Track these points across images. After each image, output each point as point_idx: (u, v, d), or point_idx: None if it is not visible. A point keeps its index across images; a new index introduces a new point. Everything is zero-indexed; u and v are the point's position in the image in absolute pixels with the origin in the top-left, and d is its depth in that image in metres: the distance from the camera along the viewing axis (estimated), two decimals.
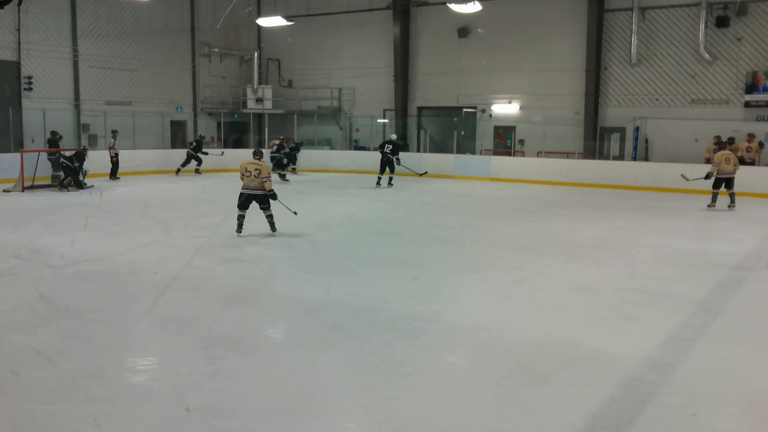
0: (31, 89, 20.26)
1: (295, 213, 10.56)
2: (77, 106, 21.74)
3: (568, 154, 20.69)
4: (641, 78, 20.47)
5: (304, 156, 22.01)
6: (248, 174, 9.62)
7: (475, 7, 19.45)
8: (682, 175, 14.43)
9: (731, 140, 18.14)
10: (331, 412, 4.09)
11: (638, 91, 20.56)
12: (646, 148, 20.30)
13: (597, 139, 21.01)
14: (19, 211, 12.26)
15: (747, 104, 18.82)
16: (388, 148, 17.77)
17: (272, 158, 19.15)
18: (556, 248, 9.37)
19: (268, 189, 9.71)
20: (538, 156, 21.05)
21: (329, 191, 16.87)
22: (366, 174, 21.43)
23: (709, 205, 13.80)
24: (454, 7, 19.89)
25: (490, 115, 23.28)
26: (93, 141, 21.44)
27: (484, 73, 23.06)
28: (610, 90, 21.06)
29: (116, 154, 18.25)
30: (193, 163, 20.18)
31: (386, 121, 25.26)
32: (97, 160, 17.71)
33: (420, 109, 25.03)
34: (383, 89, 25.11)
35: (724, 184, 13.66)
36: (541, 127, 21.57)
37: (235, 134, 26.19)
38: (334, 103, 26.20)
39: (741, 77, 18.97)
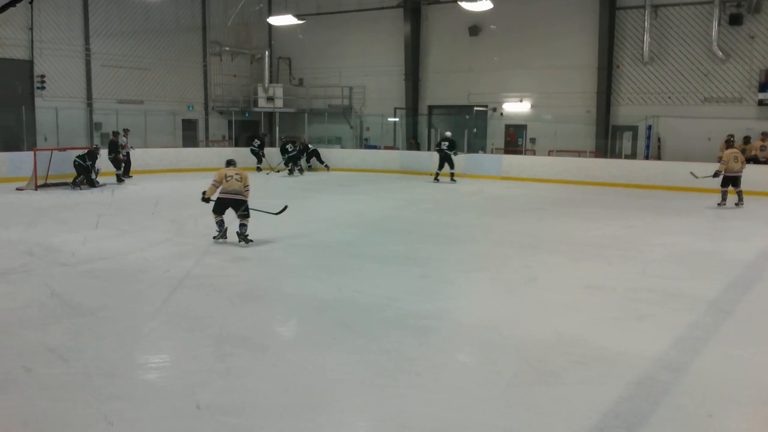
0: (43, 88, 20.41)
1: (279, 213, 10.14)
2: (89, 105, 21.89)
3: (579, 153, 20.59)
4: (654, 76, 20.33)
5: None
6: (229, 179, 9.11)
7: (485, 5, 19.39)
8: (691, 173, 14.35)
9: (746, 139, 18.02)
10: (340, 409, 4.09)
11: (651, 90, 20.42)
12: (659, 147, 20.16)
13: (609, 138, 20.90)
14: (31, 209, 12.35)
15: (761, 102, 18.65)
16: (444, 145, 18.52)
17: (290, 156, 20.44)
18: (566, 247, 9.33)
19: (245, 198, 9.18)
20: (549, 155, 20.97)
21: (339, 189, 16.88)
22: (376, 172, 21.49)
23: (719, 204, 13.72)
24: (465, 5, 19.83)
25: (501, 114, 23.21)
26: (105, 139, 21.57)
27: (495, 72, 22.99)
28: (622, 88, 20.93)
29: (127, 153, 18.33)
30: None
31: (397, 119, 25.25)
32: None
33: (430, 107, 24.99)
34: (394, 88, 25.09)
35: (731, 183, 13.59)
36: (552, 125, 21.48)
37: (247, 132, 26.28)
38: (344, 102, 26.21)
39: (754, 75, 18.80)
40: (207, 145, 24.83)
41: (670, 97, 20.11)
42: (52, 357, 4.84)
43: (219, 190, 9.20)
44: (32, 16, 19.82)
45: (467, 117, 23.12)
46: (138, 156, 19.06)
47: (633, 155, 20.59)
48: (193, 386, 4.35)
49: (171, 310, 6.10)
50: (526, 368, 4.72)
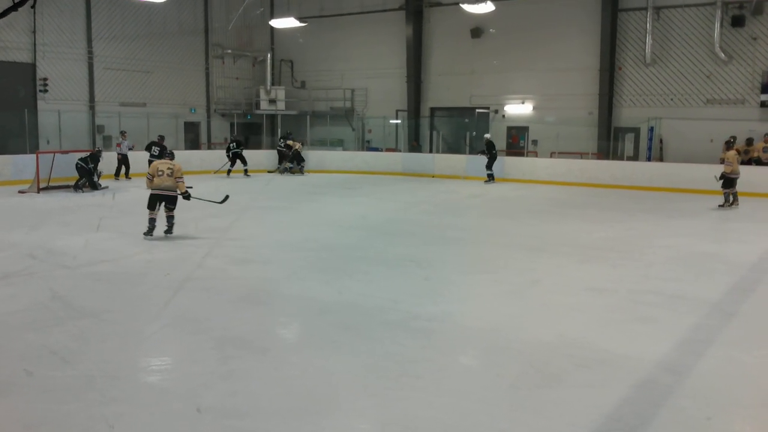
0: (46, 91, 20.46)
1: (222, 202, 10.42)
2: (92, 108, 21.94)
3: (581, 155, 20.58)
4: (656, 78, 20.32)
5: (317, 156, 22.08)
6: (161, 174, 9.39)
7: (487, 7, 19.39)
8: (714, 176, 14.09)
9: (749, 141, 18.03)
10: (343, 412, 4.09)
11: (653, 91, 20.41)
12: (661, 149, 20.13)
13: (611, 140, 20.88)
14: (34, 212, 12.37)
15: (763, 104, 18.62)
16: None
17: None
18: (569, 249, 9.32)
19: (181, 190, 9.56)
20: (551, 156, 20.95)
21: (341, 192, 16.88)
22: (378, 174, 21.49)
23: (721, 206, 13.70)
24: (467, 8, 19.84)
25: (503, 116, 23.20)
26: (108, 142, 21.61)
27: (497, 74, 22.99)
28: (625, 90, 20.92)
29: (123, 155, 18.43)
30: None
31: (399, 121, 25.26)
32: (113, 162, 17.89)
33: (432, 109, 24.99)
34: (396, 90, 25.10)
35: (730, 184, 13.62)
36: (554, 127, 21.48)
37: (248, 135, 26.31)
38: (346, 104, 26.23)
39: (757, 77, 18.77)
40: (209, 148, 24.85)
41: (672, 99, 20.10)
42: (54, 360, 4.85)
43: (153, 185, 9.47)
44: (35, 19, 19.88)
45: (467, 120, 23.14)
46: (140, 159, 19.07)
47: (635, 157, 20.56)
48: (196, 389, 4.35)
49: (173, 312, 6.10)
50: (529, 371, 4.71)
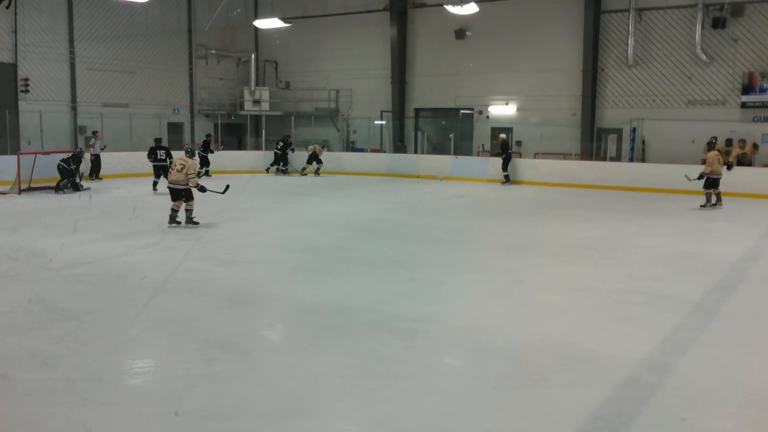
0: (27, 91, 20.23)
1: (224, 192, 11.38)
2: (74, 108, 21.72)
3: (565, 155, 20.70)
4: (638, 79, 20.49)
5: (302, 158, 22.02)
6: (172, 168, 10.62)
7: (471, 9, 19.46)
8: (685, 176, 14.41)
9: (728, 141, 18.24)
10: (328, 413, 4.08)
11: (635, 92, 20.58)
12: (643, 149, 20.31)
13: (594, 140, 21.03)
14: (15, 214, 12.23)
15: (743, 105, 18.84)
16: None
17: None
18: (553, 249, 9.37)
19: (193, 185, 10.53)
20: (535, 157, 21.06)
21: (327, 192, 16.86)
22: (364, 175, 21.48)
23: (702, 206, 13.84)
24: (451, 9, 19.88)
25: (487, 117, 23.29)
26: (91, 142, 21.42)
27: (481, 75, 23.07)
28: (607, 91, 21.07)
29: (97, 155, 18.34)
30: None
31: (383, 122, 25.27)
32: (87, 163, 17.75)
33: (417, 110, 25.04)
34: (380, 90, 25.11)
35: (712, 185, 13.76)
36: (538, 128, 21.59)
37: (234, 136, 26.19)
38: (331, 105, 26.20)
39: (737, 78, 18.99)
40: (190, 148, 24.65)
41: (654, 100, 20.27)
42: (35, 362, 4.79)
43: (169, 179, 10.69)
44: (16, 19, 19.67)
45: (443, 122, 23.26)
46: (123, 159, 18.96)
47: (618, 157, 20.73)
48: (180, 391, 4.31)
49: (156, 314, 6.05)
50: (514, 370, 4.73)
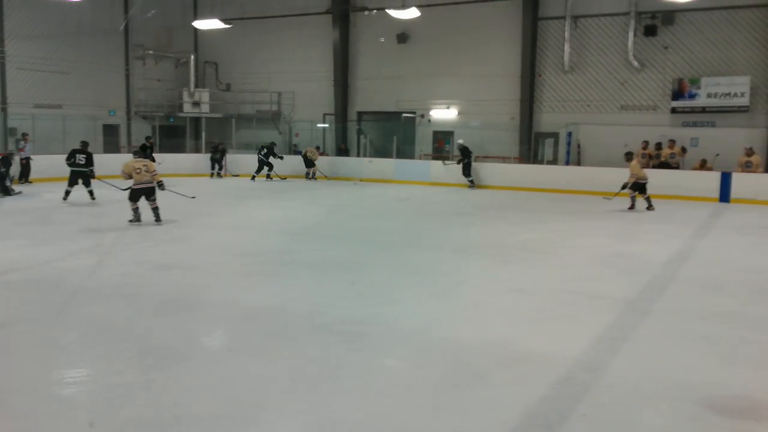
0: None
1: (193, 197, 12.08)
2: (4, 110, 20.92)
3: (504, 159, 21.11)
4: (573, 85, 21.07)
5: (244, 161, 21.74)
6: (138, 171, 11.03)
7: (413, 13, 19.65)
8: (604, 198, 15.09)
9: (658, 145, 18.98)
10: (270, 419, 4.04)
11: (571, 98, 21.15)
12: (579, 153, 20.89)
13: (532, 144, 21.51)
14: None
15: (673, 110, 19.61)
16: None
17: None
18: (493, 251, 9.54)
19: (157, 180, 11.22)
20: (475, 160, 21.37)
21: (269, 196, 16.71)
22: (306, 178, 21.39)
23: (629, 209, 14.35)
24: (393, 13, 20.03)
25: (429, 120, 23.54)
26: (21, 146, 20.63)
27: (424, 79, 23.30)
28: (545, 96, 21.59)
29: (27, 158, 17.73)
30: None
31: (326, 125, 25.22)
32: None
33: (360, 113, 25.09)
34: (323, 93, 25.06)
35: (638, 190, 14.34)
36: (478, 131, 21.94)
37: (171, 138, 25.64)
38: (273, 108, 25.99)
39: (668, 84, 19.76)
40: (129, 152, 24.05)
41: (589, 105, 20.89)
42: None
43: (132, 182, 11.05)
44: None
45: (386, 126, 23.44)
46: (55, 162, 18.29)
47: (555, 161, 21.27)
48: (114, 400, 4.20)
49: (90, 321, 5.88)
50: (454, 371, 4.79)
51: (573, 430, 3.92)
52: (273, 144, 21.54)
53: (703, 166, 18.14)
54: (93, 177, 14.17)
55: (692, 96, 19.25)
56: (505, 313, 6.36)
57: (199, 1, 26.69)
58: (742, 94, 18.48)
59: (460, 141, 19.95)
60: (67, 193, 14.26)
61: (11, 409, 4.06)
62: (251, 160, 21.86)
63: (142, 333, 5.55)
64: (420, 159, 22.72)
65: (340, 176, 21.52)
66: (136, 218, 11.12)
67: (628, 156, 14.96)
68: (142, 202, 11.21)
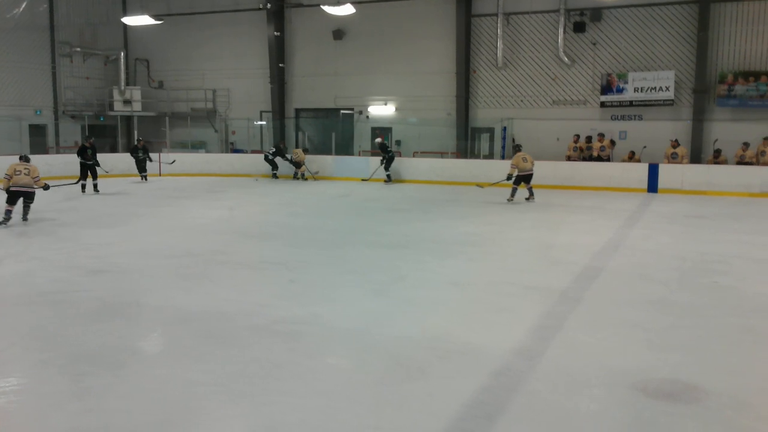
0: None
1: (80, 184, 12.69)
2: None
3: (442, 154, 21.36)
4: (507, 80, 21.48)
5: (177, 159, 21.28)
6: (18, 173, 11.15)
7: (348, 10, 19.63)
8: (476, 185, 15.49)
9: (588, 138, 19.57)
10: (209, 423, 3.99)
11: (505, 93, 21.56)
12: (513, 147, 21.31)
13: (468, 139, 21.83)
14: None
15: (603, 104, 20.24)
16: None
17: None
18: (432, 245, 9.65)
19: (42, 186, 11.47)
20: (414, 156, 21.56)
21: (205, 195, 16.42)
22: (244, 177, 21.12)
23: (508, 200, 14.84)
24: (328, 9, 19.97)
25: (367, 117, 23.58)
26: None
27: (360, 75, 23.32)
28: (479, 92, 21.94)
29: None
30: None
31: (263, 123, 24.94)
32: None
33: (298, 110, 24.92)
34: (259, 91, 24.77)
35: (523, 181, 14.88)
36: (416, 127, 22.13)
37: (104, 138, 24.86)
38: (208, 105, 25.55)
39: (597, 79, 20.37)
40: (57, 152, 23.24)
41: (522, 101, 21.33)
42: None
43: (11, 182, 11.12)
44: None
45: (324, 122, 23.40)
46: None
47: (491, 155, 21.64)
48: (46, 410, 4.07)
49: (19, 330, 5.66)
50: (394, 366, 4.83)
51: (512, 419, 4.02)
52: (282, 144, 21.37)
53: (631, 158, 18.83)
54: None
55: (620, 90, 19.90)
56: (444, 307, 6.45)
57: None
58: (667, 88, 19.22)
59: (378, 140, 20.13)
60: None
61: None
62: (183, 158, 21.39)
63: (75, 340, 5.38)
64: (359, 156, 22.73)
65: (279, 174, 21.26)
66: (5, 219, 10.98)
67: (515, 149, 15.55)
68: (19, 205, 11.33)
